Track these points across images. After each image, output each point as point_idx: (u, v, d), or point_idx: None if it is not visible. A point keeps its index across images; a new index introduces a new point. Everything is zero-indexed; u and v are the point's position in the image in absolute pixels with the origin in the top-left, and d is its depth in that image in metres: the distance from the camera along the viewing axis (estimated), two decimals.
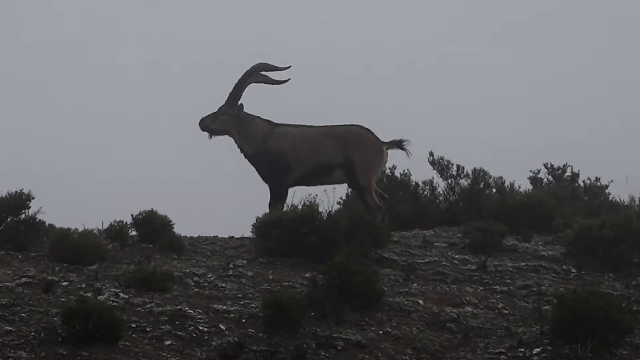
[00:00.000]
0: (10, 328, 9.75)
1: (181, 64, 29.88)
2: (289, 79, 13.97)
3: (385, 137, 13.97)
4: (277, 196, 13.71)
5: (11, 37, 30.22)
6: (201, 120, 13.95)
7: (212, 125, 13.92)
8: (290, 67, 13.93)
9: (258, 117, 13.97)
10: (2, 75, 29.35)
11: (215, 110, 13.99)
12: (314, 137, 13.89)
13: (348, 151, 13.72)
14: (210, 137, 14.03)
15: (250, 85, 13.97)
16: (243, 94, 13.95)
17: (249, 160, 13.97)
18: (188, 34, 31.25)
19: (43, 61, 29.96)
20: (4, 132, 26.61)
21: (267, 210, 13.57)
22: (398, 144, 13.93)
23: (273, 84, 13.97)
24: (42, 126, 28.07)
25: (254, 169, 13.99)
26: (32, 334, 9.68)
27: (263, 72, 13.94)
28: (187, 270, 11.86)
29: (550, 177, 17.91)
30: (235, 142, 13.99)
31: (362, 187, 13.75)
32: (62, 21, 31.23)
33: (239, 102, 13.91)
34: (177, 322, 10.27)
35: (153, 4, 32.32)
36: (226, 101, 13.95)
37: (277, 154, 13.76)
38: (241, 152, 14.00)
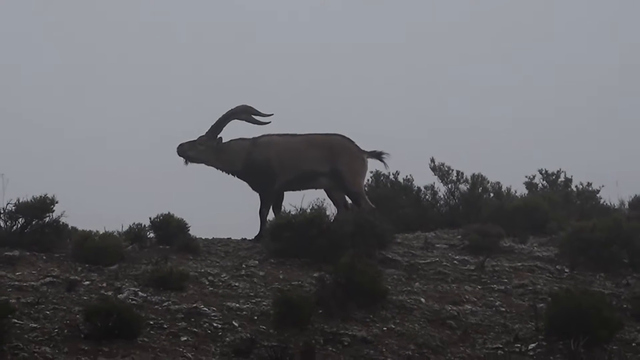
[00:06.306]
0: (35, 325, 9.91)
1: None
2: (269, 122, 14.36)
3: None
4: (266, 202, 14.09)
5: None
6: (179, 145, 14.29)
7: (188, 152, 14.26)
8: (272, 114, 14.34)
9: (231, 140, 14.34)
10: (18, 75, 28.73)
11: (195, 139, 14.34)
12: (297, 145, 14.25)
13: (334, 161, 14.12)
14: (186, 163, 14.34)
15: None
16: (224, 128, 14.34)
17: (240, 177, 14.33)
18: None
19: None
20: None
21: (258, 217, 13.98)
22: (377, 156, 14.38)
23: (254, 123, 14.35)
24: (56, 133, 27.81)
25: (247, 183, 14.34)
26: (56, 330, 9.85)
27: (246, 114, 14.31)
28: (202, 270, 12.03)
29: (544, 182, 18.07)
30: (220, 169, 14.36)
31: (355, 194, 14.16)
32: None
33: (219, 136, 14.27)
34: (192, 319, 10.46)
35: None
36: (206, 133, 14.31)
37: (263, 162, 14.13)
38: (229, 174, 14.36)
